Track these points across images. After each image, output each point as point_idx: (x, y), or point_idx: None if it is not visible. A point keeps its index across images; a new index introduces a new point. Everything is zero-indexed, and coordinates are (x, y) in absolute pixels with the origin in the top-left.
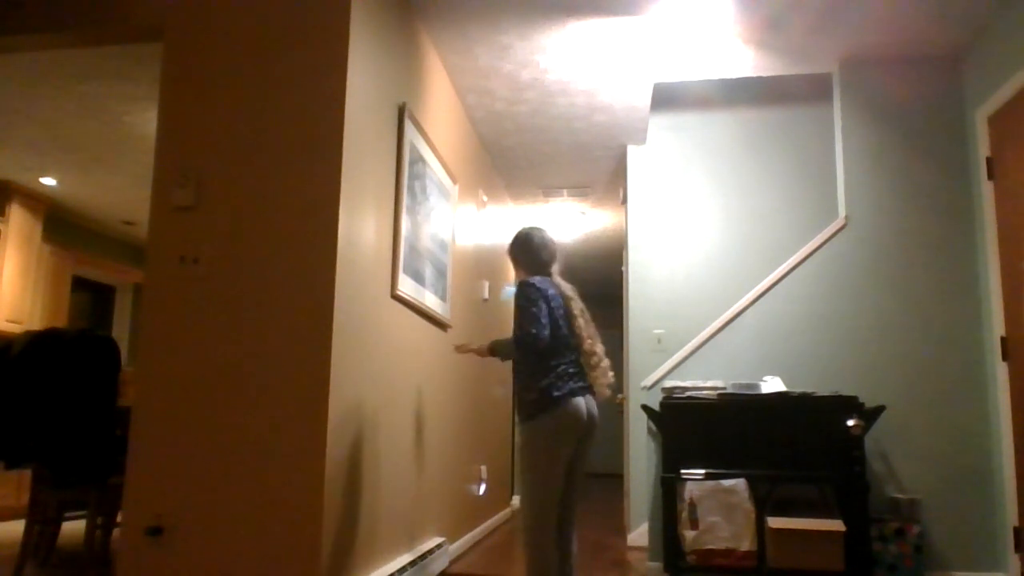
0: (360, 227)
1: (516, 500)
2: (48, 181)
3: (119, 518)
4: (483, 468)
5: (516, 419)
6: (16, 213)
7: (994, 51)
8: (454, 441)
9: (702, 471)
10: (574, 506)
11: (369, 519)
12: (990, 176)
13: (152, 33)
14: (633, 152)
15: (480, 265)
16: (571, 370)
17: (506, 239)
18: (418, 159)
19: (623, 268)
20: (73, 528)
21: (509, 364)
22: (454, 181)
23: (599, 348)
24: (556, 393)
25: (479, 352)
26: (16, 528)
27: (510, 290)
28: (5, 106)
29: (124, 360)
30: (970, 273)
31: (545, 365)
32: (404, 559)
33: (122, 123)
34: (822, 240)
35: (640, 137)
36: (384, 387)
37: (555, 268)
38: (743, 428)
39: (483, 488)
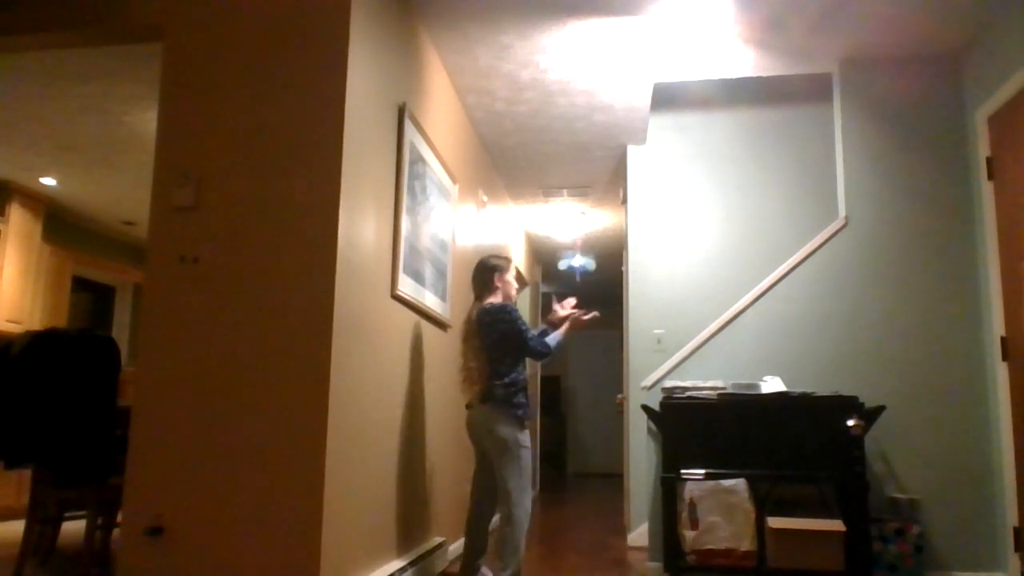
0: (360, 227)
1: None
2: (48, 181)
3: (119, 518)
4: None
5: None
6: (16, 213)
7: (994, 51)
8: (454, 441)
9: (702, 471)
10: (495, 506)
11: (369, 519)
12: (990, 176)
13: (152, 33)
14: (633, 152)
15: None
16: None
17: (506, 239)
18: (418, 159)
19: (623, 268)
20: (73, 528)
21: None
22: (454, 181)
23: (470, 364)
24: None
25: None
26: (16, 528)
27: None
28: (5, 106)
29: (124, 360)
30: (970, 273)
31: None
32: (404, 559)
33: (122, 123)
34: (822, 240)
35: (640, 137)
36: (384, 387)
37: (487, 293)
38: (743, 428)
39: None
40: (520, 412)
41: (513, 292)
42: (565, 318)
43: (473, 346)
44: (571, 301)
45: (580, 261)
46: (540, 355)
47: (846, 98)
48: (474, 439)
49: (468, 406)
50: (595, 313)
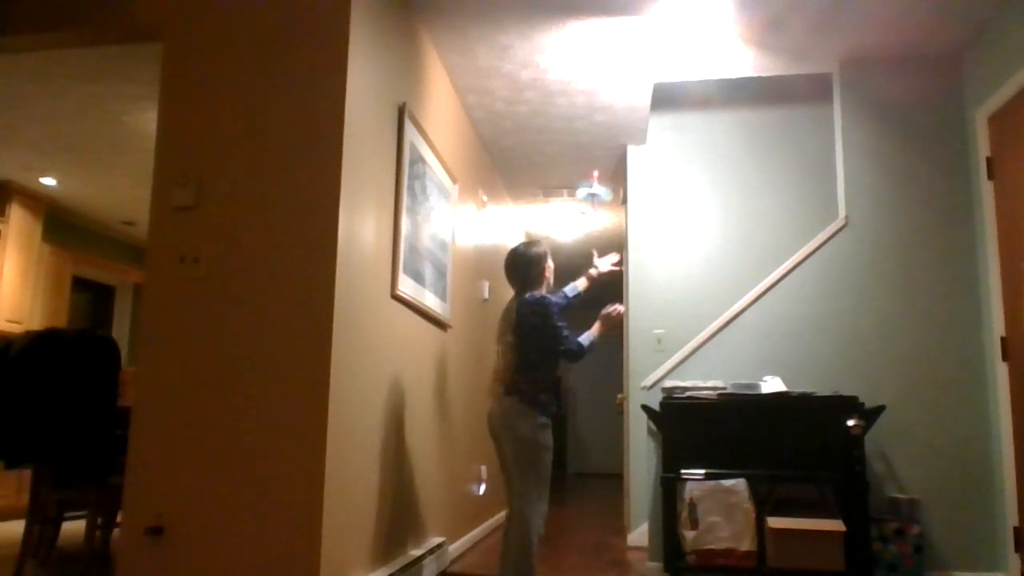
0: (360, 227)
1: None
2: (48, 181)
3: (119, 518)
4: (483, 468)
5: None
6: (16, 213)
7: (994, 50)
8: (454, 441)
9: (702, 471)
10: (511, 501)
11: (369, 519)
12: (990, 176)
13: (152, 33)
14: (633, 152)
15: (480, 265)
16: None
17: (506, 239)
18: (418, 159)
19: (623, 268)
20: (73, 528)
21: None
22: (454, 181)
23: (501, 359)
24: None
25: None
26: (16, 528)
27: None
28: (5, 106)
29: (124, 360)
30: (970, 273)
31: None
32: (404, 559)
33: (122, 123)
34: (822, 240)
35: (640, 137)
36: (384, 387)
37: (531, 286)
38: (743, 428)
39: (483, 488)
40: (544, 409)
41: (552, 277)
42: (596, 278)
43: (506, 341)
44: (613, 257)
45: (599, 190)
46: (574, 356)
47: (846, 98)
48: (493, 435)
49: (490, 399)
50: (618, 307)
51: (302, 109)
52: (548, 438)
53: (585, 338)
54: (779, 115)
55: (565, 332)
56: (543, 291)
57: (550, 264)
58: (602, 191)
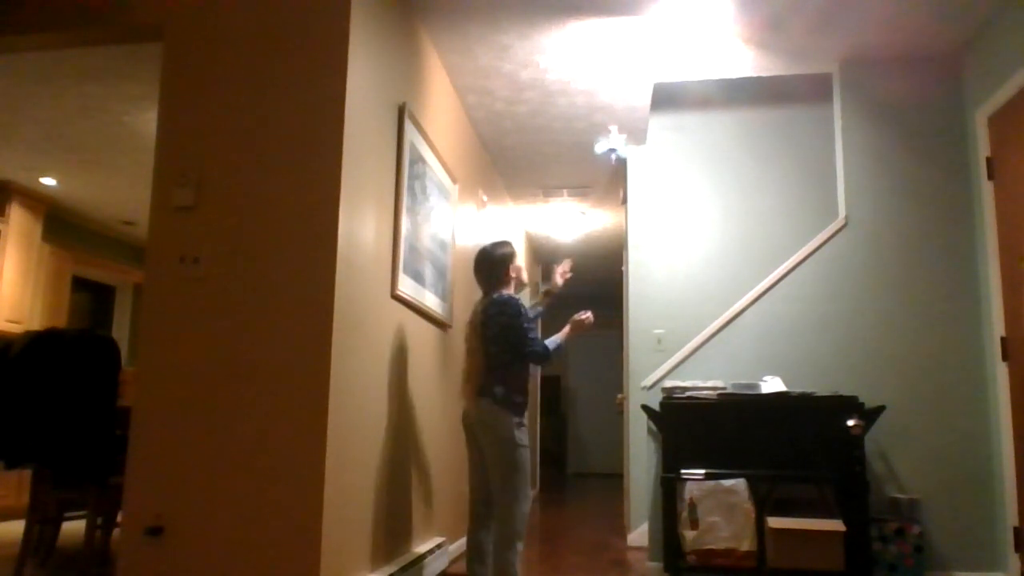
0: (360, 227)
1: None
2: (48, 181)
3: (119, 518)
4: None
5: None
6: (16, 213)
7: (994, 50)
8: (455, 440)
9: (702, 471)
10: (493, 505)
11: (369, 519)
12: (990, 176)
13: (152, 33)
14: (633, 152)
15: None
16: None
17: (506, 239)
18: (418, 159)
19: (623, 268)
20: (73, 528)
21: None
22: (454, 181)
23: (471, 360)
24: None
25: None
26: (16, 528)
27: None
28: (5, 106)
29: (124, 360)
30: (970, 273)
31: None
32: (404, 559)
33: (122, 123)
34: (822, 240)
35: (640, 137)
36: (384, 387)
37: (498, 286)
38: (743, 428)
39: None
40: (519, 410)
41: (525, 277)
42: (553, 290)
43: (473, 344)
44: (564, 265)
45: (618, 143)
46: (539, 358)
47: (846, 98)
48: (469, 435)
49: (464, 399)
50: (589, 314)
51: (302, 109)
52: (525, 437)
53: (552, 341)
54: (779, 115)
55: (531, 334)
56: (511, 291)
57: (517, 264)
58: (620, 143)
